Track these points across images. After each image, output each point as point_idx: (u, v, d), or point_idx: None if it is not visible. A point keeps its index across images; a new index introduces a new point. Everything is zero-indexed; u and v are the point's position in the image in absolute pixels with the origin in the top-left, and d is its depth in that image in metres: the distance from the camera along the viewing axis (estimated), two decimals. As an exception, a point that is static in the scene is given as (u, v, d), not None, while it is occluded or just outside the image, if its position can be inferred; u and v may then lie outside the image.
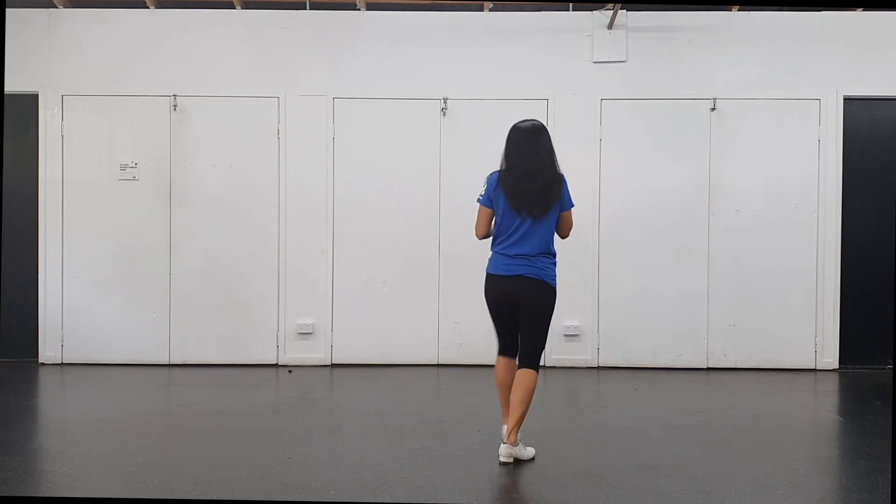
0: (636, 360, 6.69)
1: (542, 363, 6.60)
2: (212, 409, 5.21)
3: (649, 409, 5.35)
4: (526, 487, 3.66)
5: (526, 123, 4.19)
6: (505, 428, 4.05)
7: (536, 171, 4.07)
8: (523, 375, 4.01)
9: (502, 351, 4.18)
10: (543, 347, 4.13)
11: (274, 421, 4.97)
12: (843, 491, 3.78)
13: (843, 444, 4.79)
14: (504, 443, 4.00)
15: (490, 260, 4.16)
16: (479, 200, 4.15)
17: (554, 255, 4.17)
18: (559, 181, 4.11)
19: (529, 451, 4.08)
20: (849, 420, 5.27)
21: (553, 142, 4.19)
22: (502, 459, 3.97)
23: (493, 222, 4.14)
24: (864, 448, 4.44)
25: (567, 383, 6.19)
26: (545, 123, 6.60)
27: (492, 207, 4.11)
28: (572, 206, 4.17)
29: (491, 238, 4.18)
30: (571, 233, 4.28)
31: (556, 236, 4.21)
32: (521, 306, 4.09)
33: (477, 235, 4.23)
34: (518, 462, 4.03)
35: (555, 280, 4.16)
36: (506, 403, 4.11)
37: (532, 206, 4.04)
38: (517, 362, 4.10)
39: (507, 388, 4.10)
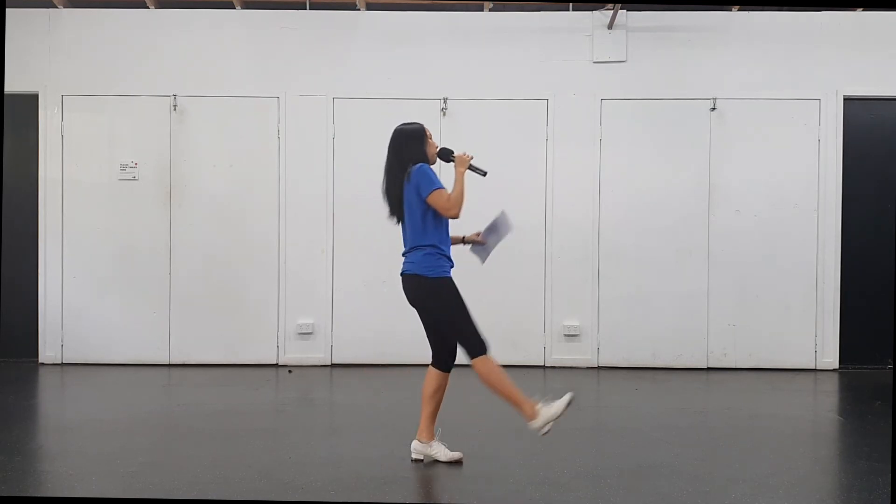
0: (636, 360, 6.69)
1: (543, 362, 6.67)
2: (212, 409, 5.21)
3: (649, 409, 5.34)
4: (526, 487, 3.66)
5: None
6: (413, 444, 4.03)
7: (385, 177, 4.20)
8: (476, 370, 3.91)
9: (432, 361, 4.14)
10: (464, 336, 3.93)
11: (274, 421, 4.97)
12: (843, 491, 3.77)
13: (843, 444, 4.79)
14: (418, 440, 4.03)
15: None
16: None
17: (429, 245, 3.95)
18: (400, 179, 4.05)
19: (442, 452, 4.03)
20: (849, 420, 5.26)
21: (408, 139, 4.09)
22: (414, 456, 4.01)
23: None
24: (864, 448, 4.43)
25: (567, 383, 6.19)
26: (545, 123, 6.66)
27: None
28: (428, 191, 3.92)
29: None
30: (456, 210, 3.95)
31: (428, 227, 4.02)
32: (414, 307, 4.07)
33: None
34: (516, 462, 4.03)
35: (433, 271, 3.92)
36: (422, 412, 4.04)
37: (391, 209, 4.16)
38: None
39: (426, 398, 4.04)
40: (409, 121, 4.24)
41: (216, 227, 6.68)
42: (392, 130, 4.17)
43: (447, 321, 3.99)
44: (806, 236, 6.65)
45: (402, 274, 4.03)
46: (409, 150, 4.09)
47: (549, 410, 3.86)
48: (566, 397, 3.91)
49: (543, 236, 6.69)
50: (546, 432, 3.84)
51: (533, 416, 3.85)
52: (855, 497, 3.61)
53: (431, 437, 4.02)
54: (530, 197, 6.65)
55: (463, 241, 4.25)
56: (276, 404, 5.54)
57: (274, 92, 6.69)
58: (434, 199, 3.93)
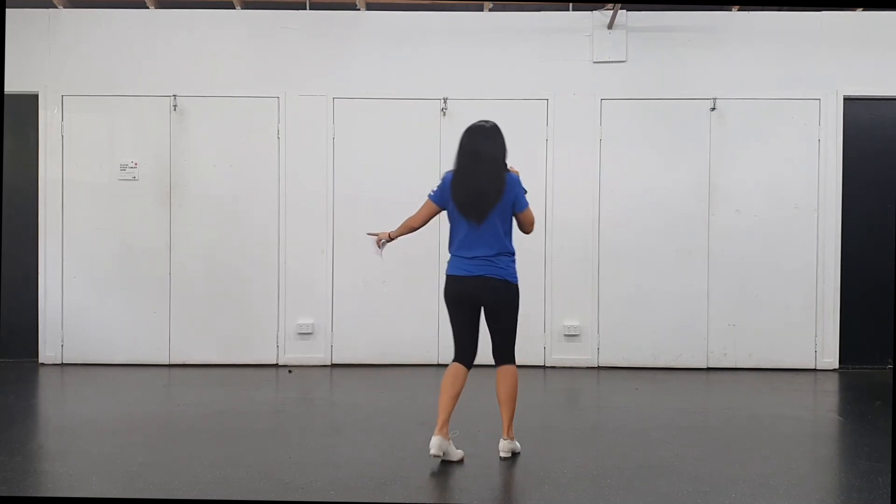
0: (636, 360, 6.69)
1: (543, 362, 6.67)
2: (212, 409, 5.21)
3: (649, 409, 5.35)
4: (526, 487, 3.66)
5: (475, 125, 4.18)
6: (434, 440, 3.96)
7: (477, 176, 4.05)
8: (504, 372, 4.08)
9: (457, 358, 4.12)
10: (514, 343, 4.12)
11: (274, 421, 4.97)
12: (843, 491, 3.78)
13: (843, 444, 4.79)
14: (503, 439, 4.07)
15: (448, 263, 4.16)
16: (430, 196, 4.15)
17: (512, 253, 4.11)
18: (501, 185, 4.04)
19: (515, 445, 4.15)
20: (849, 420, 5.27)
21: (504, 143, 4.14)
22: (503, 455, 4.05)
23: (430, 219, 4.19)
24: (864, 448, 4.44)
25: (567, 383, 6.19)
26: (545, 123, 6.66)
27: (442, 206, 4.12)
28: (526, 206, 4.14)
29: (448, 241, 4.19)
30: (535, 227, 4.31)
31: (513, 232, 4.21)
32: (484, 306, 4.09)
33: (414, 226, 4.20)
34: (516, 462, 4.03)
35: (516, 277, 4.11)
36: (445, 408, 4.02)
37: (472, 210, 4.03)
38: (494, 360, 4.13)
39: (451, 396, 4.04)
40: (480, 120, 4.23)
41: (216, 227, 6.68)
42: (483, 125, 4.14)
43: (513, 324, 4.10)
44: (806, 236, 6.65)
45: (483, 276, 4.00)
46: (503, 152, 4.14)
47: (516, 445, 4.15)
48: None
49: (543, 236, 6.69)
50: (503, 456, 4.06)
51: (512, 437, 4.11)
52: (855, 497, 3.62)
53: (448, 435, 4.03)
54: (530, 197, 6.61)
55: (389, 238, 4.29)
56: (276, 404, 5.54)
57: (274, 92, 6.69)
58: (527, 215, 4.17)
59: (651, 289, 6.67)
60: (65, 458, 4.13)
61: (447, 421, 4.00)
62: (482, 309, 4.10)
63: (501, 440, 4.09)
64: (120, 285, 6.65)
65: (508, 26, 6.72)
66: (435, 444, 3.95)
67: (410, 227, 4.22)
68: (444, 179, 4.14)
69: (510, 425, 4.08)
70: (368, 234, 4.37)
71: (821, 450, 4.63)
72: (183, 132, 6.67)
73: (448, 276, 4.13)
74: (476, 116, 6.52)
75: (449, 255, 4.17)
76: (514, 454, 4.10)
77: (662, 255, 6.67)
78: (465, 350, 4.11)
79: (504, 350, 4.09)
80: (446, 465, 3.97)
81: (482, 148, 4.08)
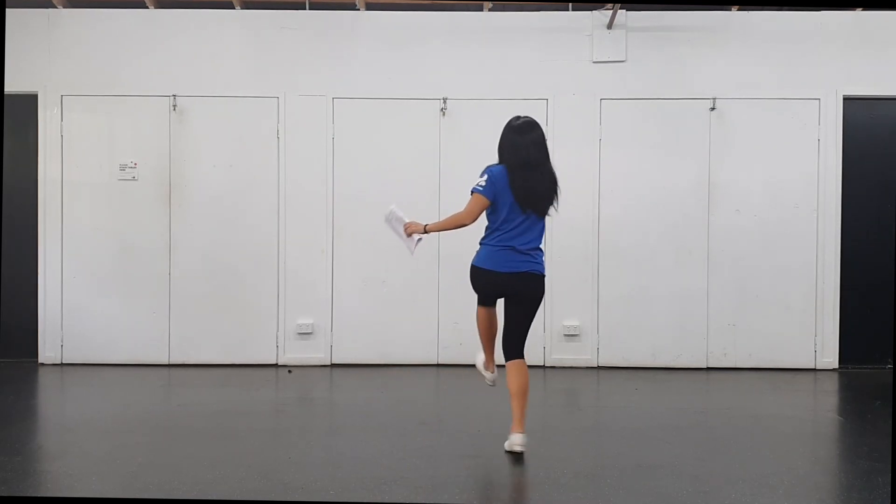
0: (636, 360, 6.69)
1: (542, 362, 6.68)
2: (212, 409, 5.21)
3: (649, 409, 5.35)
4: (526, 487, 3.66)
5: (524, 121, 4.23)
6: (489, 376, 4.46)
7: (542, 172, 4.16)
8: (518, 365, 4.12)
9: (483, 303, 4.33)
10: (527, 333, 4.24)
11: (274, 421, 4.98)
12: (843, 491, 3.78)
13: (843, 444, 4.79)
14: (518, 433, 4.07)
15: (481, 254, 4.17)
16: (479, 191, 4.09)
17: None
18: (556, 180, 4.26)
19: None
20: (849, 420, 5.27)
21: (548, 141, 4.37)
22: (518, 449, 4.04)
23: (480, 215, 4.17)
24: (864, 448, 4.44)
25: (567, 383, 6.19)
26: (545, 123, 6.66)
27: (493, 201, 4.09)
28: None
29: (486, 231, 4.21)
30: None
31: None
32: (516, 297, 4.15)
33: (466, 222, 4.15)
34: (518, 460, 4.04)
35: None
36: (487, 347, 4.44)
37: (538, 205, 4.14)
38: (504, 355, 4.18)
39: (489, 336, 4.39)
40: (519, 115, 4.36)
41: (216, 227, 6.68)
42: (532, 120, 4.26)
43: (533, 318, 4.23)
44: (806, 236, 6.65)
45: (525, 272, 4.11)
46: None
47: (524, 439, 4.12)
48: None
49: (544, 236, 6.67)
50: (518, 450, 4.05)
51: (523, 431, 4.08)
52: (855, 497, 3.62)
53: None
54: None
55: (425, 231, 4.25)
56: (276, 404, 5.55)
57: (274, 92, 6.69)
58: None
59: (651, 289, 6.67)
60: (64, 458, 4.13)
61: (492, 358, 4.43)
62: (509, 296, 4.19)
63: (516, 434, 4.06)
64: (120, 285, 6.65)
65: (508, 26, 6.72)
66: (490, 378, 4.47)
67: (461, 223, 4.15)
68: (491, 174, 4.10)
69: (523, 418, 4.07)
70: (404, 223, 4.27)
71: (821, 450, 4.63)
72: (183, 132, 6.67)
73: (484, 270, 4.13)
74: (476, 116, 6.61)
75: (480, 245, 4.20)
76: (514, 453, 4.09)
77: (662, 255, 6.67)
78: (489, 302, 4.33)
79: (520, 344, 4.15)
80: (446, 466, 3.97)
81: (538, 144, 4.17)
